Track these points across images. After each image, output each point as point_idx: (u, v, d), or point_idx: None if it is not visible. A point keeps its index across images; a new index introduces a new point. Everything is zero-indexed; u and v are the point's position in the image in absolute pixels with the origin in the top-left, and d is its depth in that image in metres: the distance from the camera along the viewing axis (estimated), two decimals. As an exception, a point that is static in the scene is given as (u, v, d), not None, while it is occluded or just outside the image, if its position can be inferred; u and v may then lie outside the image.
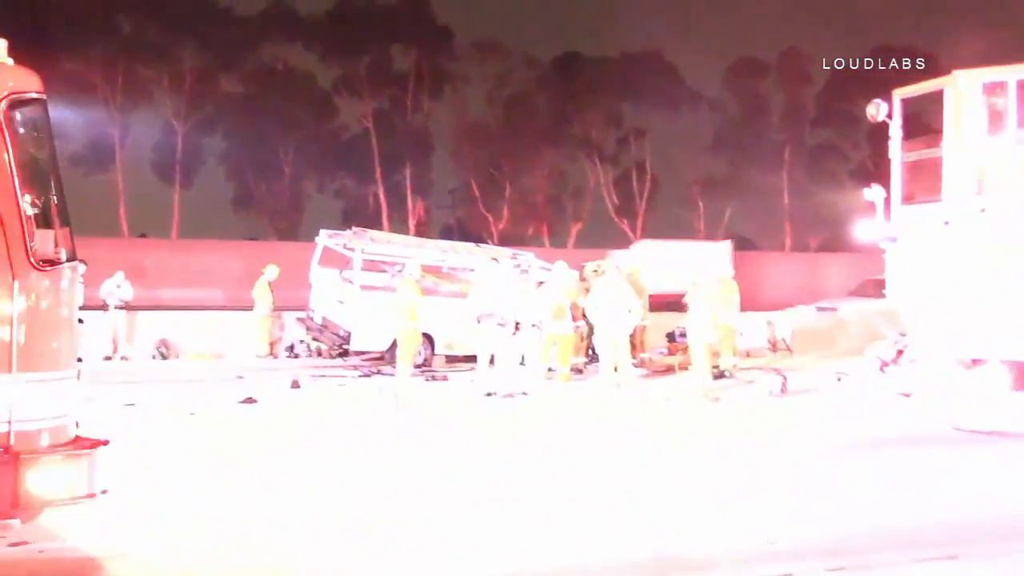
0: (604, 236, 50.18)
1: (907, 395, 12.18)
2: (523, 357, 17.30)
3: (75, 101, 45.16)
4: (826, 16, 51.69)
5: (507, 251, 22.79)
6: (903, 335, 12.37)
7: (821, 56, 51.32)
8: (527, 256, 22.21)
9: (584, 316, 19.13)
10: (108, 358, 21.63)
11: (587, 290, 19.62)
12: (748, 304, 21.09)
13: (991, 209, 11.34)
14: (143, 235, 47.91)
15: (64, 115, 46.15)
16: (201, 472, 10.18)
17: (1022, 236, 10.98)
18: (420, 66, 52.47)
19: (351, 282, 20.66)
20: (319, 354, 22.06)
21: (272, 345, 22.83)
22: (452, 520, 8.27)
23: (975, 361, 11.68)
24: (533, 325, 17.24)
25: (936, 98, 11.85)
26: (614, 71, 52.55)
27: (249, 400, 15.74)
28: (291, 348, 22.93)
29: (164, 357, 21.92)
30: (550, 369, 19.07)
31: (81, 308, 6.58)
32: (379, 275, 21.58)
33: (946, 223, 11.62)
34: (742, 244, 43.77)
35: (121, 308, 21.89)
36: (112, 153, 47.70)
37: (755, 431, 13.56)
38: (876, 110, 12.04)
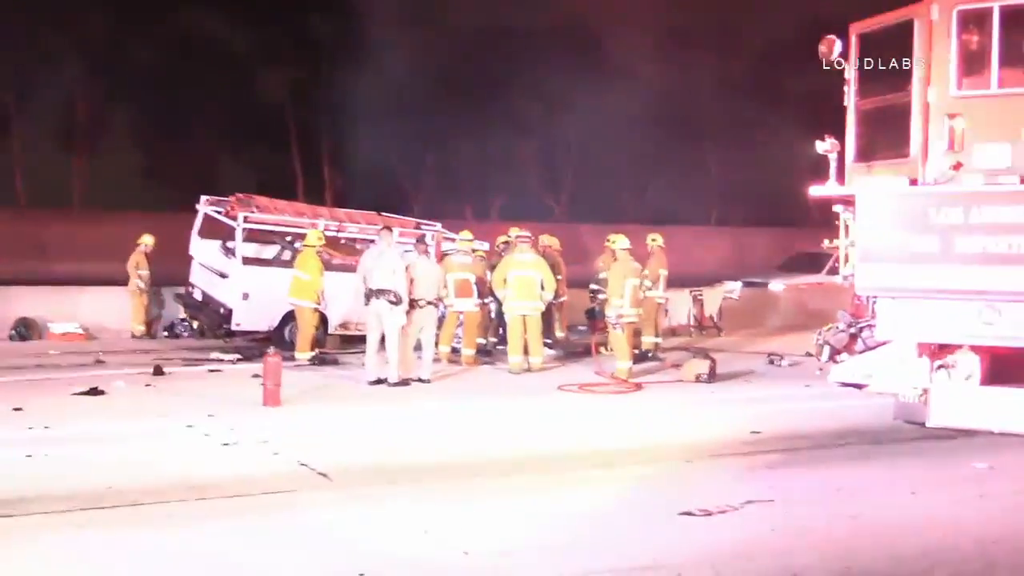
0: (530, 211, 48.32)
1: (860, 386, 9.98)
2: (419, 339, 14.86)
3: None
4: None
5: (409, 220, 20.31)
6: (854, 316, 10.12)
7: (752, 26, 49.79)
8: (434, 226, 19.82)
9: (492, 293, 16.91)
10: (-46, 338, 18.96)
11: (493, 265, 17.40)
12: (672, 280, 19.03)
13: (967, 167, 9.16)
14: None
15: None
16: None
17: (1003, 199, 8.78)
18: (340, 35, 49.97)
19: (233, 254, 18.11)
20: (202, 334, 19.44)
21: (150, 324, 20.19)
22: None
23: (942, 348, 9.52)
24: (430, 303, 14.82)
25: (902, 32, 9.63)
26: (541, 44, 50.48)
27: (93, 391, 13.27)
28: (171, 327, 20.26)
29: (23, 338, 19.16)
30: (455, 351, 16.86)
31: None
32: (268, 247, 19.08)
33: (912, 183, 9.43)
34: (665, 218, 42.03)
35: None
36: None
37: (675, 425, 11.59)
38: (828, 48, 9.77)
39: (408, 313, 14.49)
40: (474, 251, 17.40)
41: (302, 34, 49.61)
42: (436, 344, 15.79)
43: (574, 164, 52.73)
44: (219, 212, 18.49)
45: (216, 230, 18.83)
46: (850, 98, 10.08)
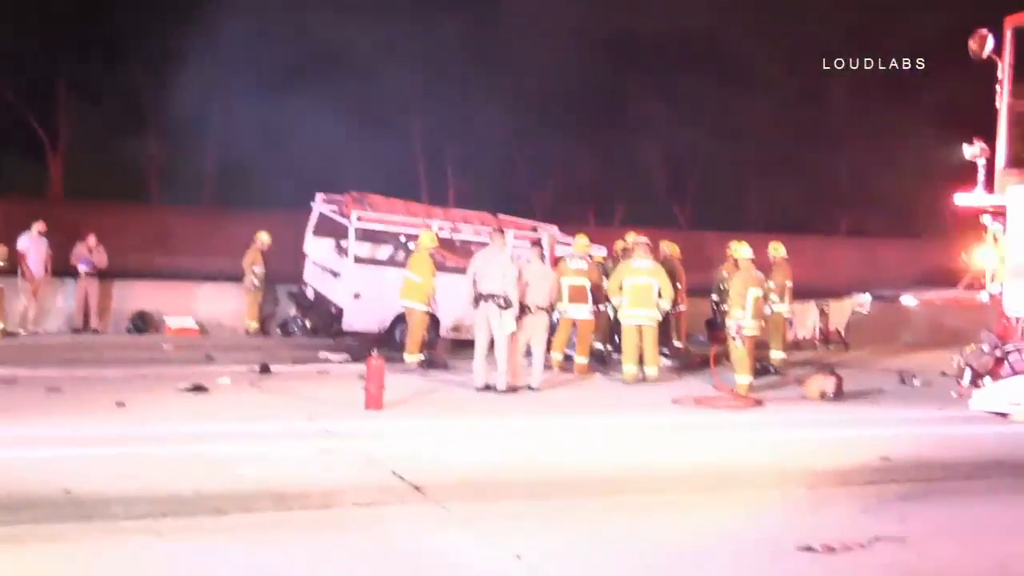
0: (653, 217, 47.28)
1: (1004, 415, 9.01)
2: (528, 346, 14.24)
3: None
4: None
5: (525, 222, 19.69)
6: (1000, 338, 9.12)
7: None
8: (551, 229, 19.16)
9: (607, 299, 16.19)
10: (77, 330, 18.98)
11: (605, 272, 16.72)
12: (798, 292, 18.07)
13: None
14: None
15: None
16: None
17: None
18: (469, 40, 49.54)
19: (347, 253, 17.74)
20: (314, 333, 19.13)
21: (263, 321, 19.99)
22: None
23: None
24: (542, 308, 14.18)
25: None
26: (669, 52, 49.25)
27: (198, 388, 12.97)
28: (284, 325, 20.02)
29: (140, 331, 19.12)
30: (567, 358, 16.19)
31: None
32: (383, 246, 18.65)
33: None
34: (793, 227, 40.55)
35: (92, 275, 19.13)
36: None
37: (796, 447, 10.66)
38: (980, 44, 8.82)
39: (519, 319, 13.90)
40: (590, 256, 16.69)
41: (431, 40, 49.23)
42: (548, 351, 15.21)
43: (700, 171, 51.24)
44: (334, 210, 18.15)
45: (332, 229, 18.48)
46: (1003, 98, 9.11)
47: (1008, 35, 8.96)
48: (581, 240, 16.70)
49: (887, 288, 26.77)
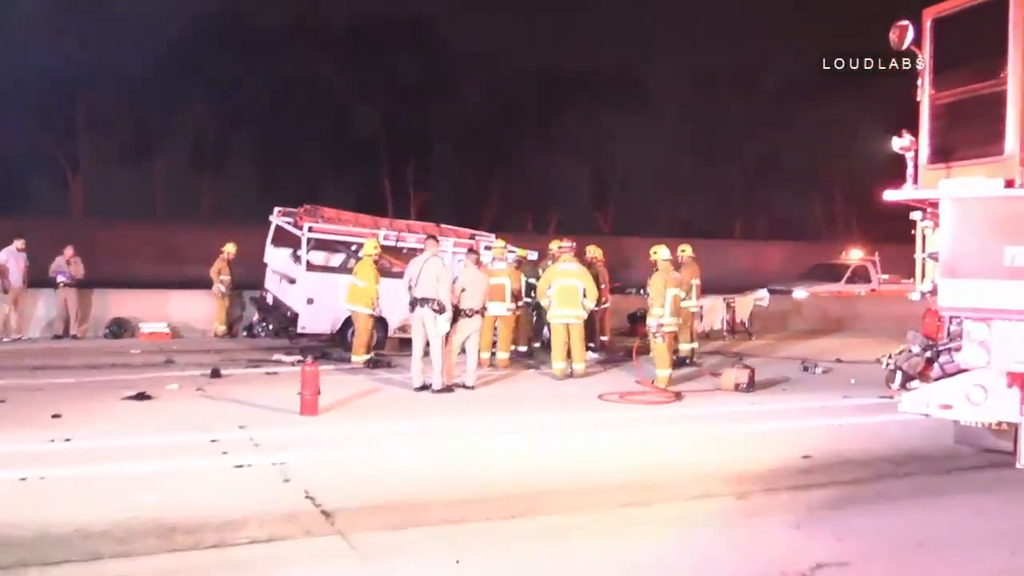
0: (581, 225, 46.52)
1: (946, 407, 7.04)
2: (463, 346, 12.16)
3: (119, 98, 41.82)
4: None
5: (464, 231, 17.56)
6: (928, 338, 7.14)
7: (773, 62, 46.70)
8: (489, 237, 17.09)
9: (531, 297, 14.24)
10: (58, 336, 16.61)
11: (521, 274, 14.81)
12: (704, 288, 16.23)
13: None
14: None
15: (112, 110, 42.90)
16: None
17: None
18: (424, 74, 47.77)
19: (299, 261, 15.57)
20: (277, 335, 16.92)
21: (231, 325, 17.73)
22: None
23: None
24: (476, 311, 12.11)
25: (991, 13, 6.66)
26: (590, 81, 47.93)
27: (141, 396, 10.76)
28: (250, 328, 17.76)
29: (116, 336, 16.79)
30: (493, 354, 14.15)
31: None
32: (336, 255, 16.47)
33: (1008, 184, 6.49)
34: (696, 233, 39.13)
35: (71, 286, 16.76)
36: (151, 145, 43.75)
37: (719, 446, 8.61)
38: (900, 36, 6.85)
39: (454, 321, 11.82)
40: (507, 258, 14.62)
41: (392, 74, 47.56)
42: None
43: (619, 184, 50.52)
44: (288, 222, 15.94)
45: (288, 239, 16.27)
46: (924, 91, 7.14)
47: (928, 27, 6.98)
48: (498, 243, 14.70)
49: (780, 283, 25.09)
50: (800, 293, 24.17)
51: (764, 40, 46.40)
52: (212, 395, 11.12)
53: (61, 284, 16.67)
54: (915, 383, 7.01)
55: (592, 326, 15.03)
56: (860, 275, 26.29)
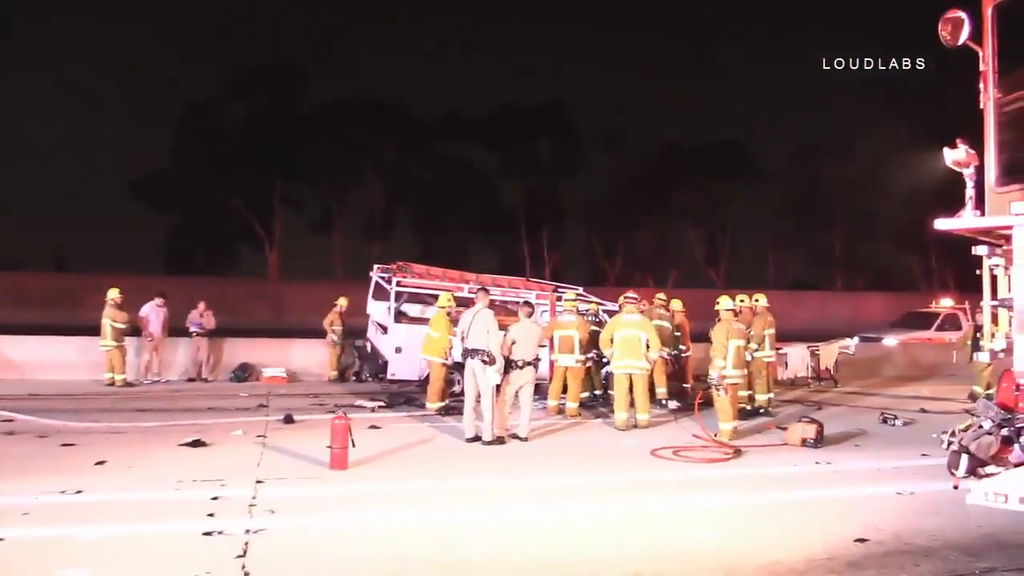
0: (697, 281, 44.84)
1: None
2: (517, 396, 10.12)
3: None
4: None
5: (549, 284, 15.53)
6: (1005, 409, 4.59)
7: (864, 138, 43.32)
8: (575, 290, 14.96)
9: (596, 348, 12.05)
10: (192, 379, 15.64)
11: (599, 323, 12.55)
12: (805, 338, 13.56)
13: None
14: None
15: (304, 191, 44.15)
16: None
17: None
18: (557, 153, 46.87)
19: (391, 313, 14.00)
20: (375, 380, 15.35)
21: (343, 371, 16.33)
22: None
23: None
24: (528, 363, 10.06)
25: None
26: (703, 154, 45.60)
27: (196, 443, 9.28)
28: (357, 373, 16.30)
29: (240, 380, 15.65)
30: (562, 402, 11.99)
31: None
32: (428, 308, 14.80)
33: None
34: (801, 286, 35.83)
35: (202, 335, 15.81)
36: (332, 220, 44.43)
37: (762, 519, 6.19)
38: (954, 29, 4.49)
39: (505, 373, 9.84)
40: (578, 310, 12.44)
41: (531, 155, 46.97)
42: (546, 398, 11.10)
43: (730, 243, 48.21)
44: (383, 278, 14.44)
45: (384, 293, 14.70)
46: (988, 95, 4.72)
47: (989, 15, 4.58)
48: (568, 296, 12.56)
49: (870, 331, 21.77)
50: (890, 340, 20.83)
51: (857, 108, 43.30)
52: (267, 443, 9.50)
53: (194, 334, 15.74)
54: (988, 467, 4.49)
55: (680, 374, 12.85)
56: (950, 322, 22.59)
